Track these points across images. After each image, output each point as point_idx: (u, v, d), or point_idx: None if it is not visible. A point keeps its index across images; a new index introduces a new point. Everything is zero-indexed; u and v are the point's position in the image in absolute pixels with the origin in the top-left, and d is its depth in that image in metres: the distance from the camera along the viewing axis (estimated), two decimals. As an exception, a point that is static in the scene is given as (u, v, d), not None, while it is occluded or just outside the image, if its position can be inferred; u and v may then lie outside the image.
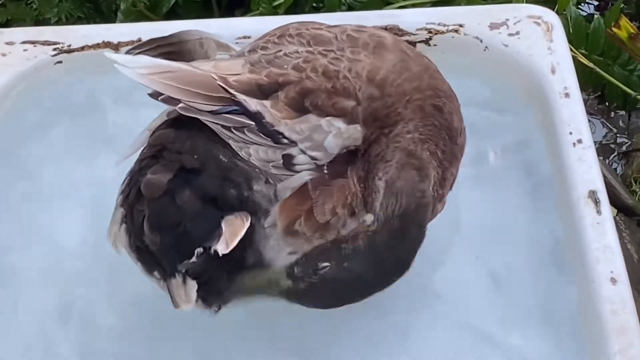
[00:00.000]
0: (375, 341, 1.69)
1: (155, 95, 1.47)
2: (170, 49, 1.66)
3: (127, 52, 1.68)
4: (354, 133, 1.53)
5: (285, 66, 1.53)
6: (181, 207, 1.49)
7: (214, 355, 1.68)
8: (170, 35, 1.66)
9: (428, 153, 1.58)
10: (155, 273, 1.51)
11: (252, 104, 1.48)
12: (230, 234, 1.47)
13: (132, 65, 1.50)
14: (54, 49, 1.85)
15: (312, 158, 1.51)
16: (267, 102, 1.50)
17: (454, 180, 1.66)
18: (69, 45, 1.85)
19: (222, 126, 1.49)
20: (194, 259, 1.48)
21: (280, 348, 1.70)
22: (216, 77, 1.49)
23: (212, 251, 1.46)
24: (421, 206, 1.57)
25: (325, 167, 1.54)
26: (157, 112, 1.59)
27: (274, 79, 1.51)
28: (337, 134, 1.51)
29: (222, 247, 1.45)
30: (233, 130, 1.50)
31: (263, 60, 1.54)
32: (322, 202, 1.53)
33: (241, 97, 1.48)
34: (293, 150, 1.51)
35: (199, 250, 1.48)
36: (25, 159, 1.89)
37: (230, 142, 1.50)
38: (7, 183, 1.82)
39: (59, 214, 1.82)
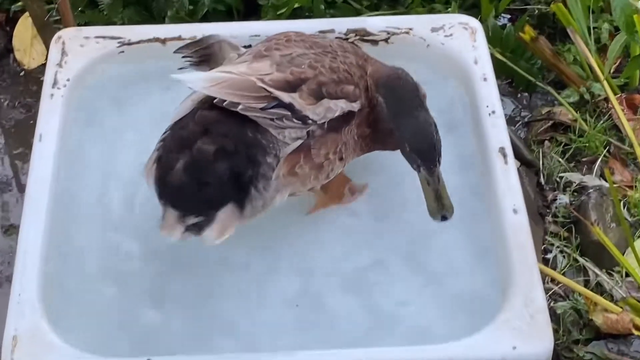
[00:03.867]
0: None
1: (220, 102, 1.72)
2: (203, 52, 1.90)
3: (175, 52, 1.92)
4: (353, 107, 1.83)
5: (303, 65, 1.81)
6: (212, 174, 1.72)
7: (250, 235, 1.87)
8: (199, 40, 1.94)
9: None
10: (162, 201, 1.74)
11: (285, 97, 1.75)
12: (220, 227, 1.73)
13: (195, 80, 1.74)
14: (118, 43, 2.14)
15: None
16: (294, 95, 1.77)
17: None
18: (129, 40, 2.14)
19: (267, 118, 1.75)
20: (195, 219, 1.72)
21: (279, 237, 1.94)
22: (256, 80, 1.74)
23: (200, 233, 1.73)
24: None
25: (325, 124, 1.82)
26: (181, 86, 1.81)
27: (297, 76, 1.78)
28: (340, 111, 1.83)
29: (212, 237, 1.72)
30: (275, 120, 1.76)
31: (284, 61, 1.80)
32: (318, 148, 1.81)
33: (277, 93, 1.74)
34: (314, 127, 1.80)
35: (197, 219, 1.72)
36: (101, 110, 2.13)
37: (270, 129, 1.75)
38: (93, 121, 2.10)
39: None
